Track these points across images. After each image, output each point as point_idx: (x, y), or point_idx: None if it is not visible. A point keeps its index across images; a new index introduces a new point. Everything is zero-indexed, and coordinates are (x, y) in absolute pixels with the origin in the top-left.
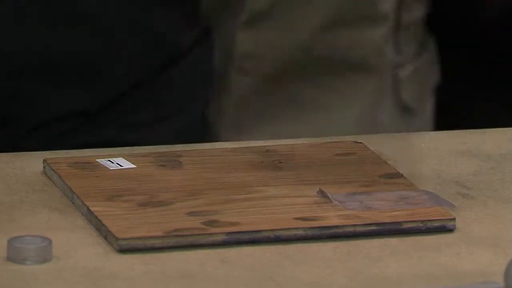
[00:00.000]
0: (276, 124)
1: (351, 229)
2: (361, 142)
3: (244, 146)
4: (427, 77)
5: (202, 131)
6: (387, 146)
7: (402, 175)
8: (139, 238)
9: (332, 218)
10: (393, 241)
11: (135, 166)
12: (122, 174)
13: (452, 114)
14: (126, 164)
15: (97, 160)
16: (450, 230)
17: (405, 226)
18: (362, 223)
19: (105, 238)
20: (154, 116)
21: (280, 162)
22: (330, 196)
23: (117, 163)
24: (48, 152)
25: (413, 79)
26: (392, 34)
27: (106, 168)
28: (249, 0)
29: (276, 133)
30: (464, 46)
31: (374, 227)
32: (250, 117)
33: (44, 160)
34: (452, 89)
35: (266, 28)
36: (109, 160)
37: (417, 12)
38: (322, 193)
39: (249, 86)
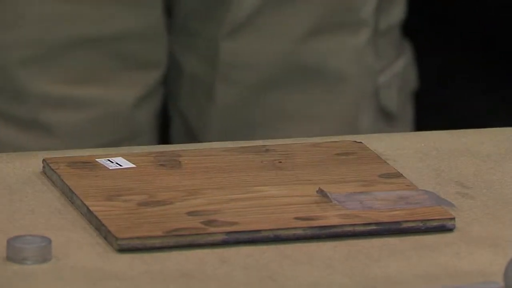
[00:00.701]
0: (261, 133)
1: (351, 228)
2: (360, 142)
3: (243, 146)
4: (406, 82)
5: None
6: (386, 146)
7: (401, 175)
8: (138, 237)
9: (331, 217)
10: (393, 240)
11: (134, 166)
12: (121, 173)
13: (449, 115)
14: (126, 164)
15: (96, 159)
16: (450, 230)
17: (404, 225)
18: (362, 222)
19: (105, 238)
20: None
21: (280, 162)
22: (330, 196)
23: (116, 163)
24: (47, 151)
25: (392, 84)
26: (372, 39)
27: (106, 168)
28: (231, 10)
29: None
30: (464, 46)
31: (373, 227)
32: (235, 126)
33: (43, 160)
34: (449, 89)
35: (249, 37)
36: (108, 160)
37: (394, 16)
38: (322, 192)
39: (233, 96)
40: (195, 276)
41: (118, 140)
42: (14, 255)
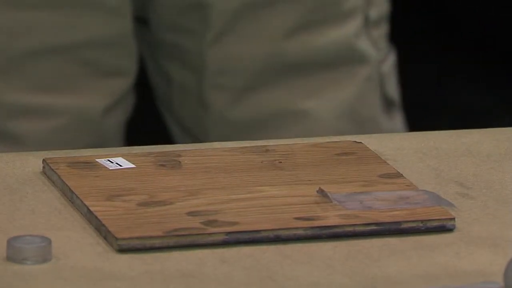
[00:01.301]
0: (261, 132)
1: (351, 228)
2: (361, 142)
3: (243, 146)
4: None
5: None
6: (386, 146)
7: (401, 175)
8: (138, 238)
9: (331, 217)
10: (393, 240)
11: (134, 166)
12: (121, 174)
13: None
14: (126, 164)
15: (96, 160)
16: (450, 230)
17: (404, 225)
18: (362, 222)
19: (105, 238)
20: None
21: (280, 162)
22: (330, 196)
23: (116, 163)
24: (47, 151)
25: (392, 73)
26: (364, 30)
27: (106, 168)
28: (210, 19)
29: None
30: (464, 46)
31: (374, 227)
32: (233, 129)
33: (43, 160)
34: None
35: (232, 41)
36: (108, 160)
37: (383, 7)
38: (322, 192)
39: (225, 100)
40: (195, 276)
41: (86, 148)
42: (14, 255)
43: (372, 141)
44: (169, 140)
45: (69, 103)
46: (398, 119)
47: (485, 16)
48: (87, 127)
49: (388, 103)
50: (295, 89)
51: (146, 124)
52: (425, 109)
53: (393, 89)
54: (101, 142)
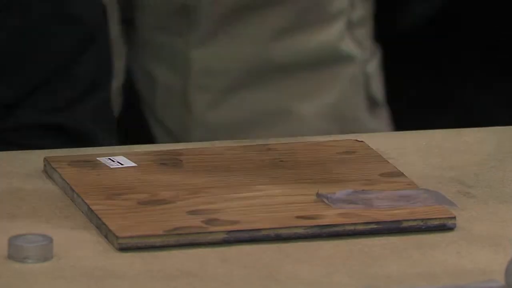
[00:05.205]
0: (243, 135)
1: (352, 227)
2: (362, 141)
3: (245, 144)
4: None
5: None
6: (388, 144)
7: (402, 174)
8: (139, 236)
9: (332, 216)
10: (394, 239)
11: (135, 165)
12: (122, 172)
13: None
14: (127, 163)
15: (97, 158)
16: (451, 229)
17: (405, 224)
18: (363, 221)
19: (106, 236)
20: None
21: (281, 161)
22: (326, 201)
23: (117, 162)
24: (49, 150)
25: (377, 73)
26: (348, 31)
27: (107, 167)
28: (197, 22)
29: None
30: (466, 44)
31: (374, 226)
32: (215, 130)
33: (44, 158)
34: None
35: (220, 42)
36: (109, 159)
37: (367, 7)
38: (320, 196)
39: (208, 101)
40: (195, 275)
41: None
42: (15, 254)
43: (373, 140)
44: (151, 141)
45: None
46: (383, 118)
47: (487, 15)
48: None
49: (372, 103)
50: (280, 90)
51: (130, 125)
52: (427, 107)
53: (377, 89)
54: None
